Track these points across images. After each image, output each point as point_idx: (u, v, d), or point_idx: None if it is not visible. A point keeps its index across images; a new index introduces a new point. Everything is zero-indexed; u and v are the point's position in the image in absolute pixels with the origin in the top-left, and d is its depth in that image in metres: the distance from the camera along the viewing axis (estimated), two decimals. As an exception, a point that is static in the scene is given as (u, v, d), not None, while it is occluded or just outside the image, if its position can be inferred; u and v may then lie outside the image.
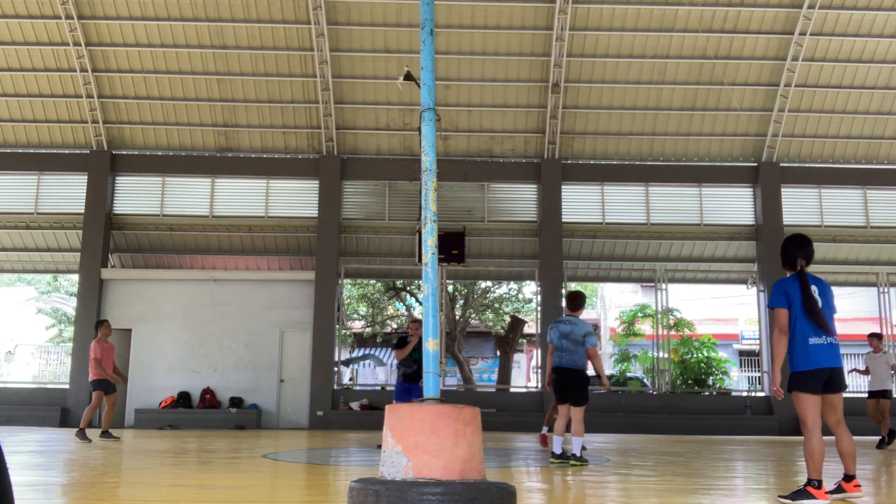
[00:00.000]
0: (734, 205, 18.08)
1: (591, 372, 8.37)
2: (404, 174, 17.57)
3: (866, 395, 12.26)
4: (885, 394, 11.85)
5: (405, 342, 10.16)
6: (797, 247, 5.25)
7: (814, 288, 5.13)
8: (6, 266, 18.91)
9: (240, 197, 17.93)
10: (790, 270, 5.25)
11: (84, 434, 10.96)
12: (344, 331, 20.42)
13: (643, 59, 17.23)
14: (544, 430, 10.96)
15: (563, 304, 8.42)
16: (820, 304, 5.09)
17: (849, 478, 5.06)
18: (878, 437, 12.01)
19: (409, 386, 10.01)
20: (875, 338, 12.30)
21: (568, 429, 8.10)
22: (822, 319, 5.00)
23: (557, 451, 7.99)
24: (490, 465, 7.01)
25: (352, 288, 24.99)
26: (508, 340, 23.44)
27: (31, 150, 17.92)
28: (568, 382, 7.98)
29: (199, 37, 17.12)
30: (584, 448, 8.03)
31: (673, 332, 20.18)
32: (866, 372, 12.20)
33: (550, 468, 7.61)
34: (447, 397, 4.84)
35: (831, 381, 4.99)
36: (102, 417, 11.80)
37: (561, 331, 8.11)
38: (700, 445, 12.12)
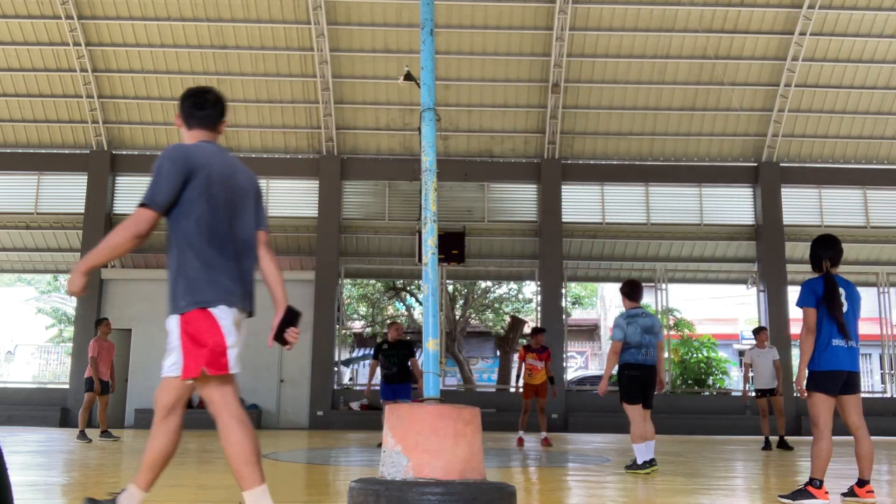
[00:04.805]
0: (734, 205, 18.08)
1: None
2: (404, 174, 17.57)
3: (753, 394, 11.67)
4: (772, 392, 11.21)
5: (381, 348, 10.79)
6: (823, 248, 5.22)
7: (841, 291, 5.09)
8: (6, 266, 18.91)
9: (240, 197, 17.88)
10: (818, 272, 5.21)
11: (84, 435, 10.98)
12: (344, 331, 20.41)
13: (643, 59, 17.23)
14: (520, 433, 11.36)
15: (624, 295, 7.48)
16: (845, 307, 5.07)
17: (862, 483, 5.03)
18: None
19: (393, 387, 10.58)
20: (761, 332, 11.54)
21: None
22: (843, 323, 5.01)
23: (650, 456, 7.25)
24: (490, 465, 7.01)
25: (352, 288, 24.97)
26: (508, 340, 23.42)
27: (31, 150, 17.91)
28: (652, 381, 7.25)
29: (199, 37, 17.11)
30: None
31: (673, 332, 20.20)
32: (747, 369, 11.56)
33: (553, 470, 7.60)
34: (447, 397, 4.83)
35: (848, 383, 5.02)
36: (98, 418, 11.79)
37: (643, 325, 7.21)
38: (700, 445, 12.12)
